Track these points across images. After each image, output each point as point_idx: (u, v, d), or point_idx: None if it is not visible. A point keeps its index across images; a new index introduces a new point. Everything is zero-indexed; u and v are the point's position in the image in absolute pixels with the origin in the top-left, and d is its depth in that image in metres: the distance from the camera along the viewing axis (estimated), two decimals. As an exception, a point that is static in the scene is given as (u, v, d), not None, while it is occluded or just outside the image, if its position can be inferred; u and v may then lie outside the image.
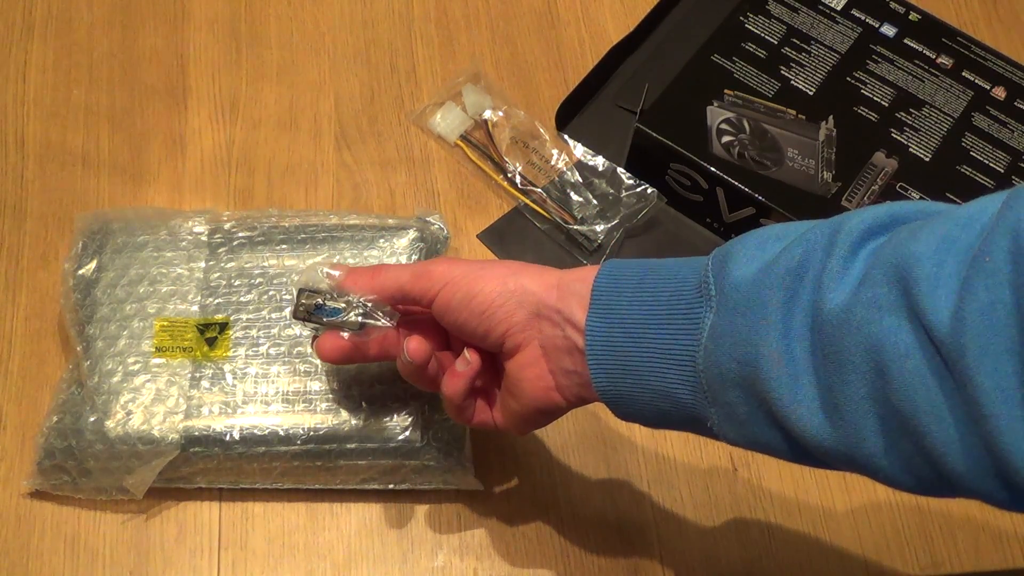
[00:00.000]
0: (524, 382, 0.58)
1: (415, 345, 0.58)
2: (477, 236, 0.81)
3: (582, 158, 0.83)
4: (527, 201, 0.81)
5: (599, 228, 0.80)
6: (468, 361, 0.59)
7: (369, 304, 0.60)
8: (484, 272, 0.57)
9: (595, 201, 0.81)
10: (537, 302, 0.56)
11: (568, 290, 0.56)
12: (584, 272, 0.56)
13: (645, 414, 0.54)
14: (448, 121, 0.84)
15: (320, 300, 0.60)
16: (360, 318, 0.60)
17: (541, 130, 0.84)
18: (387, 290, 0.59)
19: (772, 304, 0.47)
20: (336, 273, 0.60)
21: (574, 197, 0.81)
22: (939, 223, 0.44)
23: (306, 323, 0.62)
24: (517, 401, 0.59)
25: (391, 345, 0.61)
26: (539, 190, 0.81)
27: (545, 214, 0.81)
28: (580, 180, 0.81)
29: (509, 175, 0.82)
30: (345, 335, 0.60)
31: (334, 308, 0.60)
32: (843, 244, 0.46)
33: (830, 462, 0.48)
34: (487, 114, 0.84)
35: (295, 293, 0.61)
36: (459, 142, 0.83)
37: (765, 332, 0.47)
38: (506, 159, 0.82)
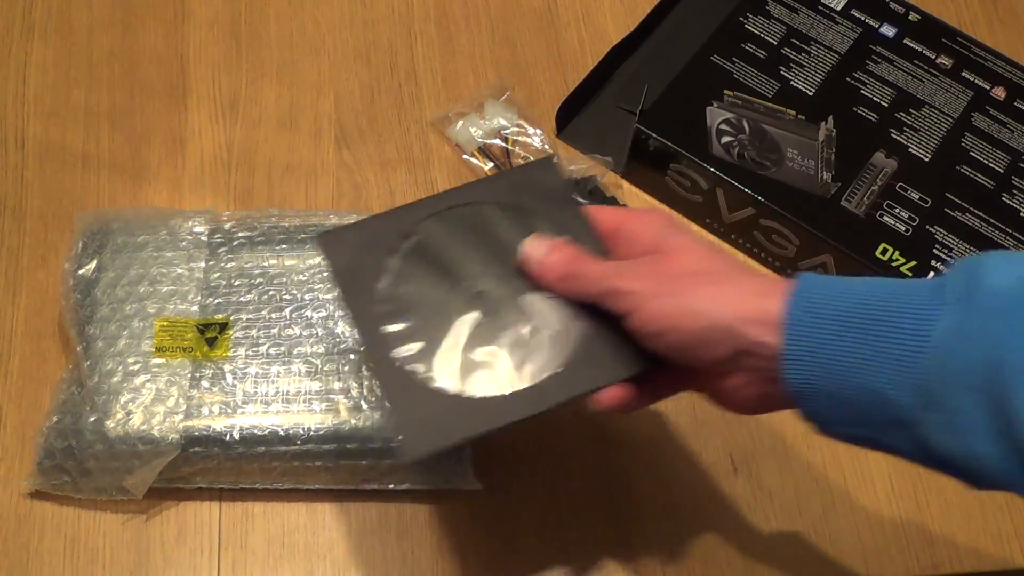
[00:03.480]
0: (727, 398, 0.59)
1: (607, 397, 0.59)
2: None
3: (588, 176, 0.83)
4: None
5: None
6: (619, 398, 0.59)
7: None
8: (684, 300, 0.55)
9: None
10: (740, 338, 0.54)
11: (773, 322, 0.53)
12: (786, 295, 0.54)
13: (839, 414, 0.53)
14: (469, 132, 0.84)
15: None
16: None
17: (554, 151, 0.84)
18: (583, 294, 0.59)
19: None
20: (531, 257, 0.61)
21: None
22: None
23: None
24: (722, 405, 0.59)
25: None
26: None
27: None
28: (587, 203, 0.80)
29: None
30: None
31: None
32: None
33: None
34: (507, 130, 0.84)
35: None
36: (476, 153, 0.83)
37: (1022, 336, 0.47)
38: None
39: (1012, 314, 0.48)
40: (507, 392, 0.58)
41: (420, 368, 0.59)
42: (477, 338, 0.60)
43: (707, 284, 0.55)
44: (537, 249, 0.61)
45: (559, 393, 0.59)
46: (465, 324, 0.60)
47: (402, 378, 0.58)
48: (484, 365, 0.59)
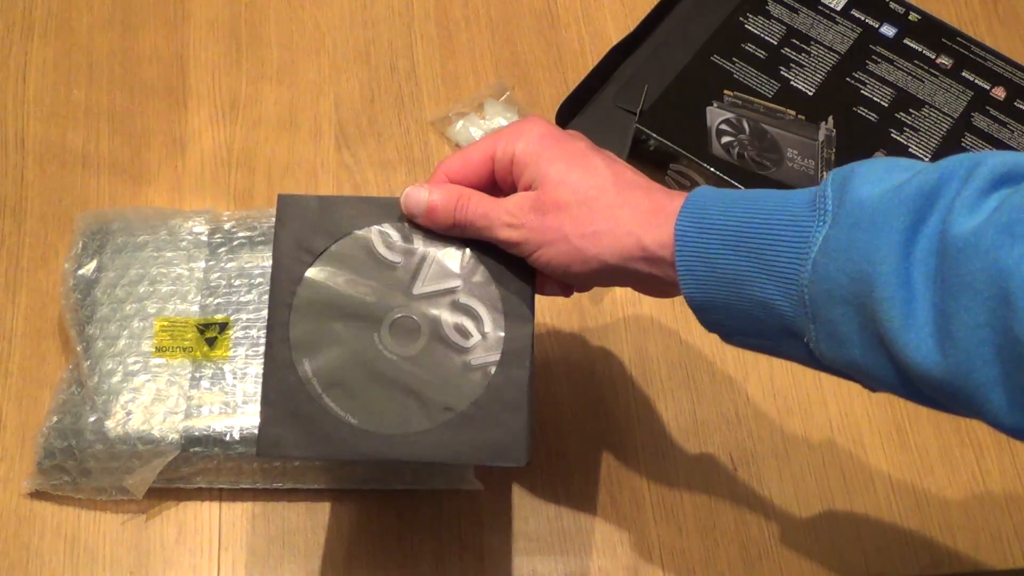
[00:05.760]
0: (641, 291, 0.61)
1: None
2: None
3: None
4: None
5: None
6: None
7: None
8: (570, 247, 0.56)
9: None
10: (631, 273, 0.56)
11: (657, 257, 0.55)
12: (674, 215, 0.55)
13: (736, 324, 0.54)
14: (468, 132, 0.84)
15: None
16: None
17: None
18: (477, 238, 0.59)
19: (897, 222, 0.47)
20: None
21: None
22: None
23: None
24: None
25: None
26: None
27: None
28: None
29: None
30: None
31: None
32: (983, 176, 0.46)
33: (931, 393, 0.47)
34: None
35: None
36: None
37: (886, 249, 0.47)
38: None
39: (874, 227, 0.47)
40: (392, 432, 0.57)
41: (314, 386, 0.58)
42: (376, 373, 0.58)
43: (586, 224, 0.56)
44: (418, 198, 0.59)
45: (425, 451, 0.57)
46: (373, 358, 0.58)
47: (290, 382, 0.57)
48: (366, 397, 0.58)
